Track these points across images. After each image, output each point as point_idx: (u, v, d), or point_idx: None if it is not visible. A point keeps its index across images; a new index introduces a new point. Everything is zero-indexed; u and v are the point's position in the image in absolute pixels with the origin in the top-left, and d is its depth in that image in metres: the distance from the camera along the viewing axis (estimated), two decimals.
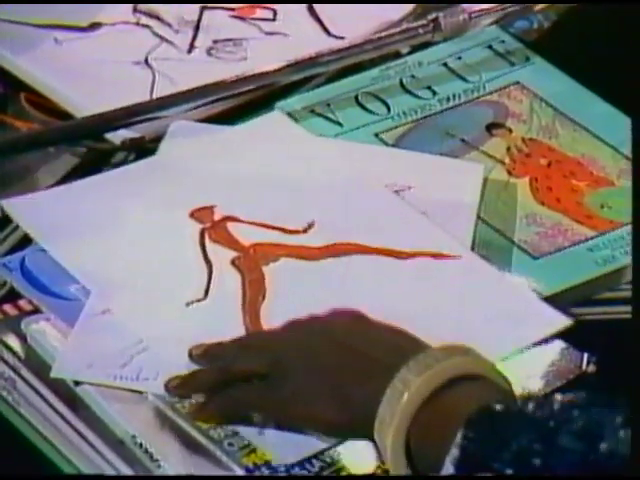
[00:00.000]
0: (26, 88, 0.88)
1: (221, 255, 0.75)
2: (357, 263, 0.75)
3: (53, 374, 0.68)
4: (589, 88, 0.88)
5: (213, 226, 0.77)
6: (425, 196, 0.80)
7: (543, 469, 0.58)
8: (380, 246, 0.75)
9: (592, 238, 0.80)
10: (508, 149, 0.86)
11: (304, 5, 0.96)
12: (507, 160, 0.85)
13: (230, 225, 0.77)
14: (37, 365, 0.69)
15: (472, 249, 0.77)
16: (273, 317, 0.71)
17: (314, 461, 0.65)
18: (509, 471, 0.58)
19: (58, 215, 0.76)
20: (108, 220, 0.76)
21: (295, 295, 0.72)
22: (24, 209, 0.77)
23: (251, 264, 0.74)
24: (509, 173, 0.85)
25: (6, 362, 0.69)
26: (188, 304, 0.72)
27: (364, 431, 0.64)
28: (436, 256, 0.76)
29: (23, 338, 0.70)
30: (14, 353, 0.70)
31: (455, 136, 0.86)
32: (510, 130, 0.87)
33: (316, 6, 0.95)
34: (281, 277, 0.73)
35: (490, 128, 0.87)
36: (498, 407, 0.60)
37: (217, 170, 0.80)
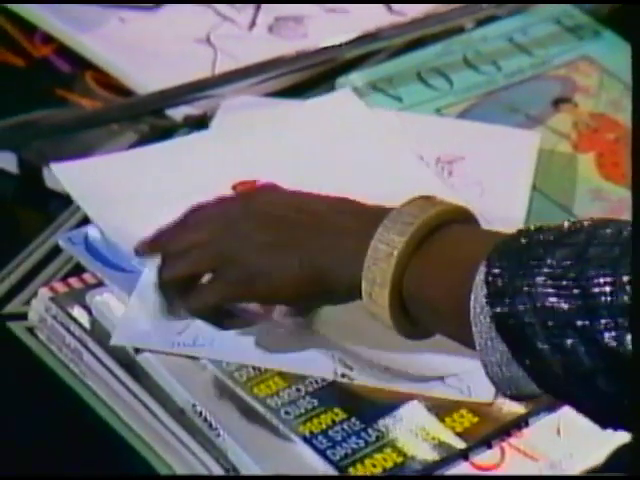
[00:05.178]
0: (91, 66, 0.89)
1: None
2: None
3: (113, 342, 0.69)
4: None
5: None
6: (478, 166, 0.79)
7: (579, 282, 0.55)
8: None
9: None
10: (574, 124, 0.85)
11: None
12: (573, 135, 0.84)
13: None
14: (101, 336, 0.70)
15: (526, 220, 0.76)
16: None
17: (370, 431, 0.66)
18: (542, 290, 0.56)
19: (103, 183, 0.76)
20: (150, 190, 0.76)
21: None
22: (71, 174, 0.77)
23: None
24: (575, 148, 0.83)
25: (72, 334, 0.70)
26: None
27: (333, 292, 0.64)
28: None
29: (88, 310, 0.71)
30: (80, 325, 0.70)
31: (520, 111, 0.85)
32: (577, 105, 0.86)
33: None
34: None
35: (556, 103, 0.86)
36: (522, 239, 0.58)
37: (265, 145, 0.80)
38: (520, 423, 0.67)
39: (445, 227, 0.63)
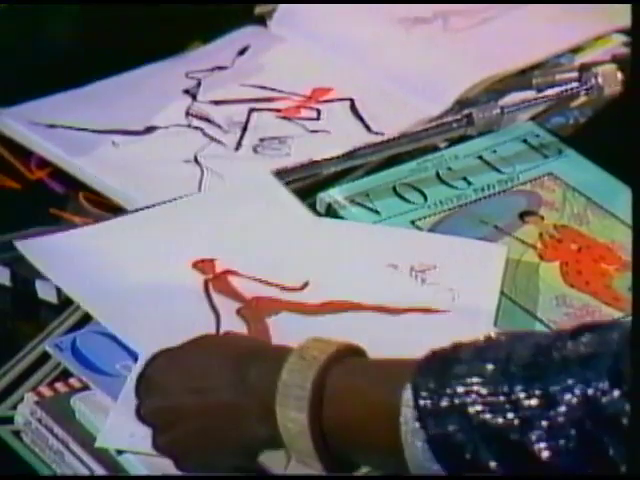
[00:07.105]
0: (84, 187, 0.93)
1: (227, 305, 0.77)
2: (354, 319, 0.78)
3: (97, 444, 0.71)
4: (619, 178, 0.91)
5: (215, 278, 0.79)
6: (450, 275, 0.83)
7: (509, 396, 0.57)
8: (373, 304, 0.79)
9: (619, 319, 0.82)
10: (540, 235, 0.89)
11: (347, 104, 1.00)
12: (539, 245, 0.88)
13: (231, 278, 0.80)
14: (84, 438, 0.72)
15: (495, 324, 0.80)
16: None
17: None
18: (474, 408, 0.57)
19: (66, 257, 0.79)
20: (110, 267, 0.79)
21: None
22: (37, 250, 0.80)
23: (255, 314, 0.77)
24: (540, 257, 0.87)
25: (55, 436, 0.73)
26: None
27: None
28: (426, 311, 0.79)
29: (72, 413, 0.74)
30: (63, 427, 0.73)
31: (489, 223, 0.89)
32: (542, 217, 0.90)
33: (358, 105, 1.00)
34: (284, 330, 0.76)
35: (523, 215, 0.91)
36: (440, 359, 0.59)
37: (218, 224, 0.82)
38: None
39: (345, 359, 0.63)
